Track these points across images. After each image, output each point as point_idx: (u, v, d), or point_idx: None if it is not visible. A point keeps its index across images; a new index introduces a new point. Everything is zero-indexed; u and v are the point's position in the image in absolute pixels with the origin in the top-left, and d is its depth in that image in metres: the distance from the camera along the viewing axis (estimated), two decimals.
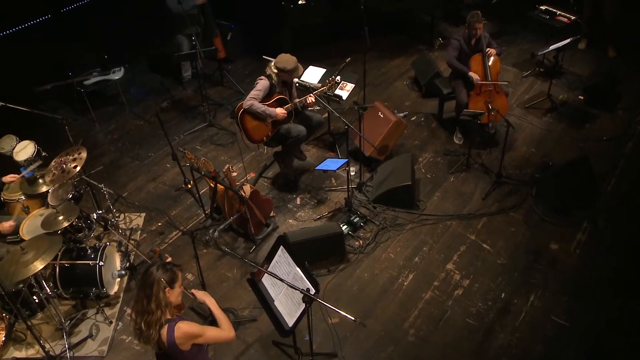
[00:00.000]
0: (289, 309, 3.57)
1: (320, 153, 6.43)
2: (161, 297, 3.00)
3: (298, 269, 3.55)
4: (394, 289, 4.85)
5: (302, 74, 5.84)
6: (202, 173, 4.96)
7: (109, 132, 6.93)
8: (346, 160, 5.28)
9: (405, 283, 4.90)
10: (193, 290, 3.46)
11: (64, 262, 4.34)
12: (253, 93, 5.23)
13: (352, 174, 5.88)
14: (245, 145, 5.63)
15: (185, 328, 3.03)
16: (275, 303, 3.67)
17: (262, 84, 5.26)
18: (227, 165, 4.76)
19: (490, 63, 6.02)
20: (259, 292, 3.80)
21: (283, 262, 3.67)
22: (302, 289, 3.19)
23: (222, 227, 4.96)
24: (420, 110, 7.09)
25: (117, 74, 6.94)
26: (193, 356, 3.10)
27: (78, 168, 4.40)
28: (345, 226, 5.36)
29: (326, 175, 6.10)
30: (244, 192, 4.98)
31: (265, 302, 3.74)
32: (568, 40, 6.44)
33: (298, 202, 5.79)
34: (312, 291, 3.32)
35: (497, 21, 8.66)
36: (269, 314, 3.71)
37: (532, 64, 7.78)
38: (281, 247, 3.70)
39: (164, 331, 3.01)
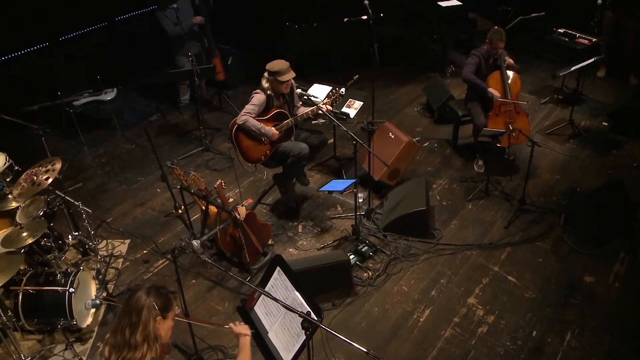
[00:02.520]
0: (285, 342, 2.96)
1: (324, 179, 5.90)
2: (151, 327, 2.39)
3: (297, 293, 2.96)
4: (409, 325, 4.23)
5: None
6: (192, 192, 4.43)
7: (98, 155, 6.45)
8: (354, 180, 4.75)
9: (421, 319, 4.27)
10: (231, 325, 2.89)
11: (27, 288, 3.75)
12: (248, 107, 4.75)
13: (360, 200, 5.34)
14: (242, 166, 5.08)
15: None
16: (270, 335, 3.06)
17: (258, 97, 4.79)
18: (219, 181, 4.24)
19: (509, 81, 5.57)
20: (250, 323, 3.19)
21: (280, 286, 3.09)
22: (302, 312, 2.59)
23: (205, 237, 4.31)
24: (433, 136, 6.61)
25: (109, 95, 6.53)
26: None
27: (50, 180, 3.88)
28: (353, 256, 4.78)
29: (331, 202, 5.56)
30: (239, 214, 4.43)
31: (257, 334, 3.13)
32: (592, 60, 6.01)
33: (300, 230, 5.23)
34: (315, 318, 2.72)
35: (510, 49, 8.27)
36: (261, 349, 3.09)
37: (550, 91, 7.38)
38: (277, 268, 3.13)
39: None
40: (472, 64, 5.59)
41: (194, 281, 4.67)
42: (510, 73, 5.62)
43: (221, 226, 4.34)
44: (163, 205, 5.57)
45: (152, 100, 7.55)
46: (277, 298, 3.05)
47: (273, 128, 4.80)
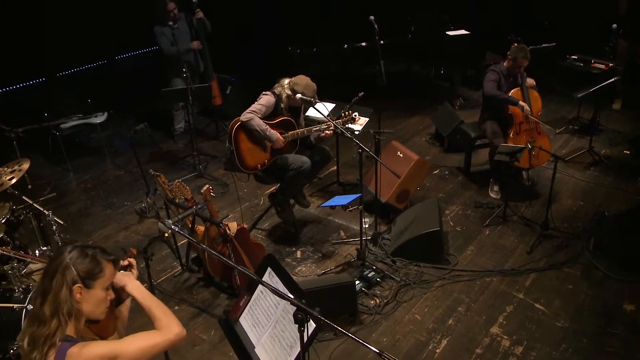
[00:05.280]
0: (275, 356, 2.40)
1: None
2: (63, 297, 1.85)
3: (292, 297, 2.43)
4: (424, 357, 3.63)
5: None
6: (176, 202, 3.95)
7: (83, 181, 6.01)
8: (358, 195, 4.28)
9: (437, 350, 3.68)
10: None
11: None
12: (255, 107, 4.32)
13: (366, 226, 4.84)
14: (235, 177, 4.63)
15: (83, 354, 1.82)
16: (257, 350, 2.50)
17: (267, 99, 4.38)
18: (207, 186, 3.78)
19: (530, 99, 5.19)
20: (234, 338, 2.64)
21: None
22: (295, 300, 2.05)
23: (179, 217, 3.64)
24: (444, 164, 6.17)
25: (98, 118, 6.17)
26: None
27: (14, 180, 3.42)
28: (358, 282, 4.23)
29: (334, 227, 5.07)
30: (229, 229, 3.94)
31: (242, 350, 2.57)
32: (612, 80, 5.66)
33: (298, 256, 4.70)
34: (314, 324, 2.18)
35: None
36: None
37: (565, 122, 7.02)
38: (269, 269, 2.61)
39: (51, 357, 1.82)
40: (493, 80, 5.20)
41: (176, 307, 4.11)
42: (531, 91, 5.25)
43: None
44: (149, 229, 5.06)
45: (146, 128, 7.18)
46: (267, 304, 2.53)
47: (279, 133, 4.37)
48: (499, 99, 5.14)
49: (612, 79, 5.68)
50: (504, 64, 5.28)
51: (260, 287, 2.62)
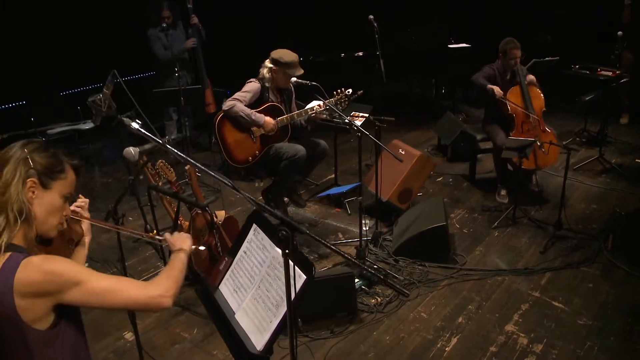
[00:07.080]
0: (259, 319, 2.04)
1: (323, 209, 5.11)
2: (14, 190, 1.54)
3: (278, 249, 2.09)
4: (431, 356, 3.23)
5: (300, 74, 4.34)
6: (160, 188, 3.63)
7: None
8: (358, 183, 3.97)
9: (447, 348, 3.28)
10: (166, 236, 2.13)
11: None
12: (238, 94, 4.08)
13: (366, 228, 4.52)
14: (232, 179, 4.31)
15: (45, 265, 1.51)
16: (237, 316, 2.14)
17: (252, 85, 4.13)
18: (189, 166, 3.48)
19: (531, 96, 4.96)
20: (213, 306, 2.28)
21: (255, 248, 2.22)
22: (279, 214, 1.71)
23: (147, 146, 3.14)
24: (447, 172, 5.89)
25: (87, 124, 5.93)
26: (46, 344, 1.57)
27: None
28: (358, 280, 3.86)
29: (331, 229, 4.74)
30: (216, 216, 3.62)
31: (221, 321, 2.20)
32: (623, 81, 5.43)
33: None
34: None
35: None
36: (225, 337, 2.15)
37: (571, 135, 6.77)
38: (254, 226, 2.27)
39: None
40: (484, 72, 5.04)
41: None
42: (531, 87, 5.02)
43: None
44: (134, 230, 4.72)
45: (136, 140, 6.94)
46: (252, 263, 2.19)
47: (267, 117, 4.09)
48: (476, 82, 5.00)
49: (623, 80, 5.46)
50: (498, 61, 5.09)
51: (243, 247, 2.28)
